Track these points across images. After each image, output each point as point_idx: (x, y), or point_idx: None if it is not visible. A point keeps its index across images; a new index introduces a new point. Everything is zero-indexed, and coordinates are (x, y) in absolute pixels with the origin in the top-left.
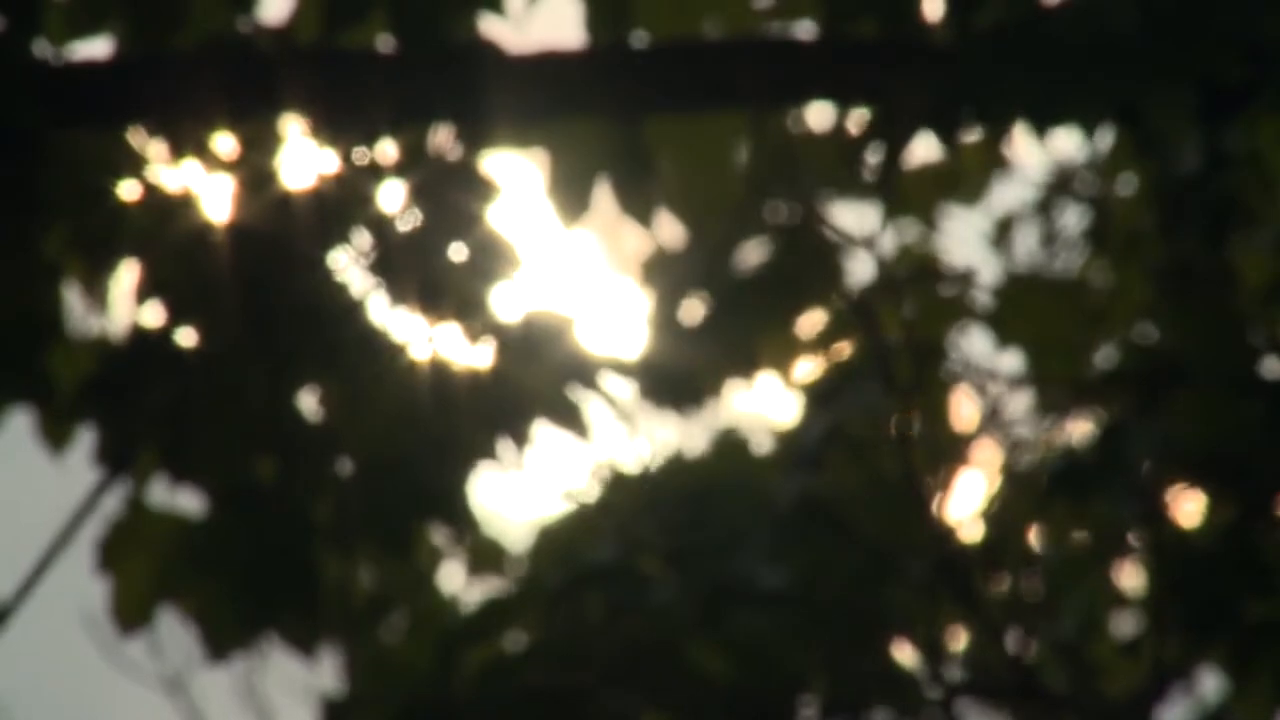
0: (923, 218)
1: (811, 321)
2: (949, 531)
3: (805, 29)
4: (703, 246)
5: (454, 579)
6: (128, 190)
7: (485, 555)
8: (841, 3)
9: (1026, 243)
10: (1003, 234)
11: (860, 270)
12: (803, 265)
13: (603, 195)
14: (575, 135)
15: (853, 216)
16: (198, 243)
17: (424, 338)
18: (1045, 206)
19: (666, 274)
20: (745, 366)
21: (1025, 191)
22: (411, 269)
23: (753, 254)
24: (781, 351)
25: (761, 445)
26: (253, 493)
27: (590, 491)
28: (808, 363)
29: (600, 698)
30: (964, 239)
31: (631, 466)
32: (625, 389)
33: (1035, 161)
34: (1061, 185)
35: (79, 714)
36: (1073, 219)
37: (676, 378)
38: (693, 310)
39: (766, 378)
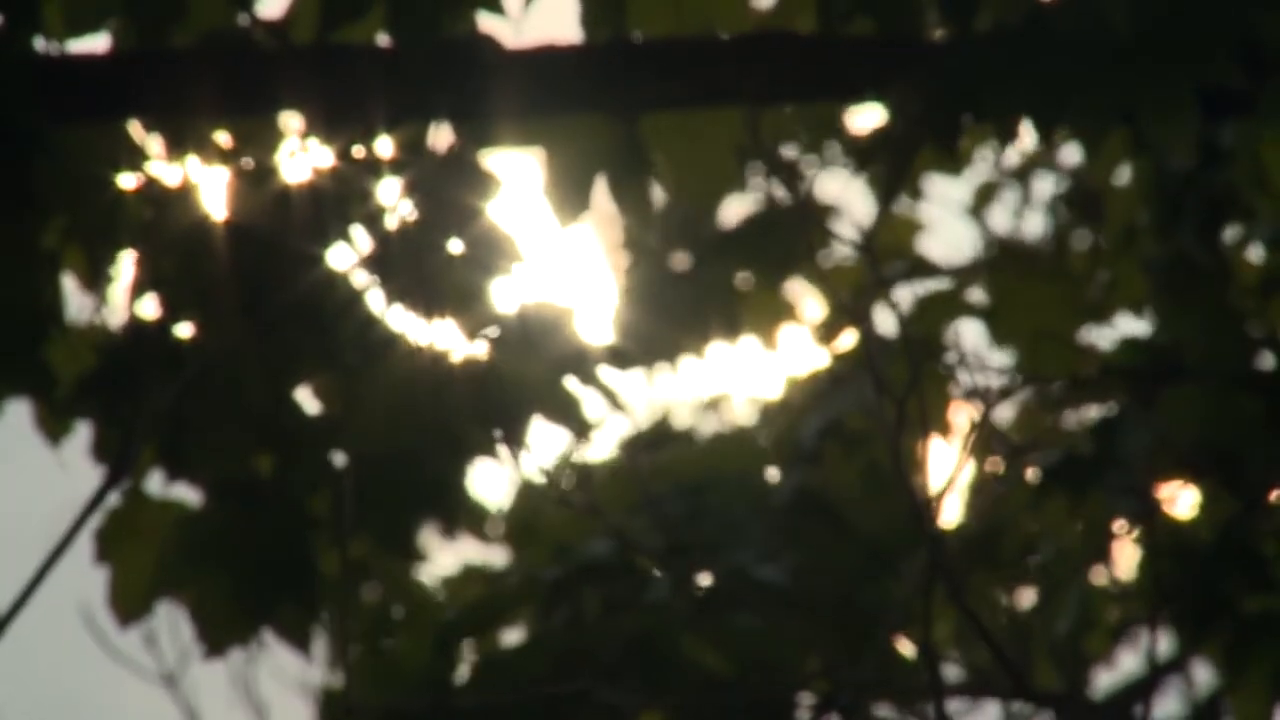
0: (907, 188)
1: (794, 286)
2: (942, 528)
3: (803, 28)
4: (685, 206)
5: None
6: (126, 184)
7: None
8: (838, 2)
9: (1005, 212)
10: (982, 203)
11: (843, 240)
12: (787, 230)
13: (599, 192)
14: (572, 133)
15: (838, 185)
16: (196, 237)
17: (422, 332)
18: (1024, 175)
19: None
20: (726, 326)
21: (1005, 160)
22: (410, 264)
23: (736, 213)
24: (764, 315)
25: (742, 408)
26: (251, 486)
27: (583, 484)
28: (791, 327)
29: (597, 694)
30: (945, 207)
31: (627, 459)
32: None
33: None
34: (1042, 156)
35: (74, 710)
36: (1050, 187)
37: (652, 336)
38: (674, 267)
39: (749, 341)
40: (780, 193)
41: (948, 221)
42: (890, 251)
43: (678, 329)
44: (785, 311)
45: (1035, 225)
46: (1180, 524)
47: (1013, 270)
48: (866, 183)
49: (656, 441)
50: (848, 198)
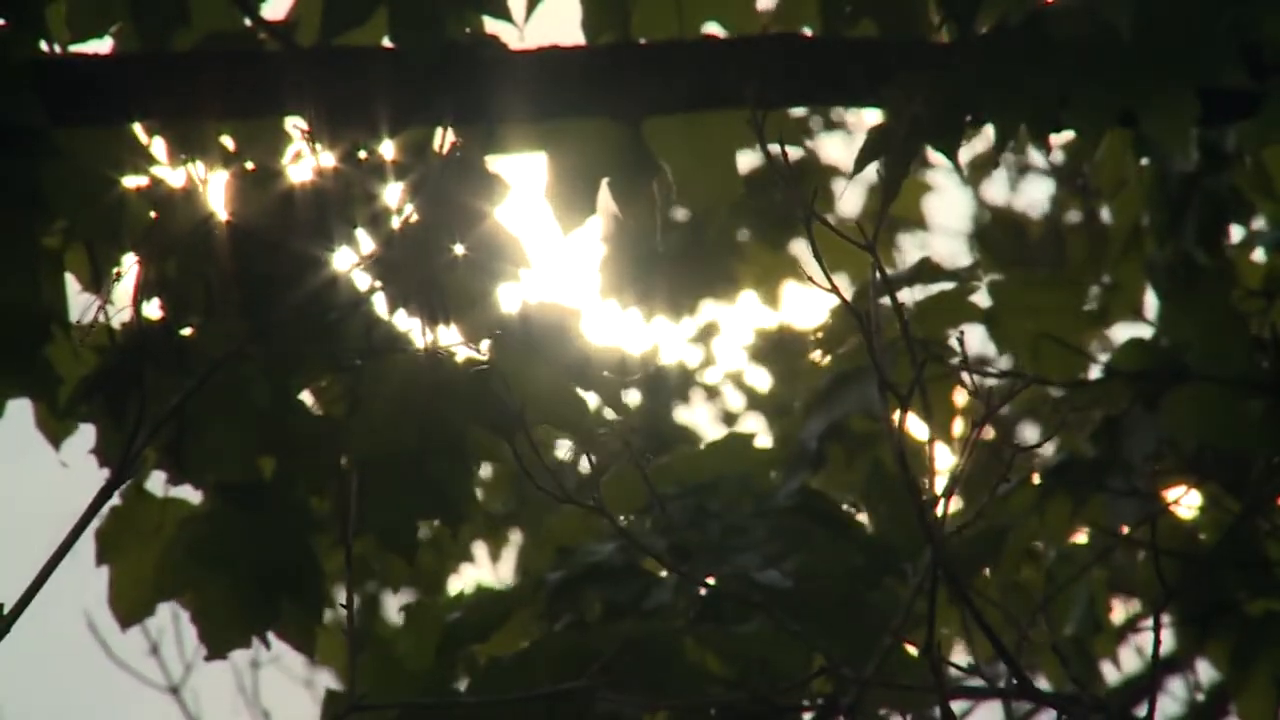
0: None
1: (797, 246)
2: (946, 529)
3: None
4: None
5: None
6: (131, 186)
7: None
8: (840, 4)
9: (1002, 182)
10: (979, 173)
11: (847, 239)
12: (786, 194)
13: (603, 195)
14: (576, 137)
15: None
16: (200, 239)
17: (427, 334)
18: (1020, 146)
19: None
20: (724, 282)
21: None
22: (414, 266)
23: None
24: (765, 272)
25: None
26: (255, 488)
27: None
28: (792, 285)
29: (600, 697)
30: (948, 173)
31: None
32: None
33: None
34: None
35: (77, 713)
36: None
37: (651, 286)
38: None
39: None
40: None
41: (949, 187)
42: (898, 216)
43: (673, 280)
44: (786, 268)
45: (1030, 195)
46: (1184, 526)
47: (1007, 241)
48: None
49: (645, 380)
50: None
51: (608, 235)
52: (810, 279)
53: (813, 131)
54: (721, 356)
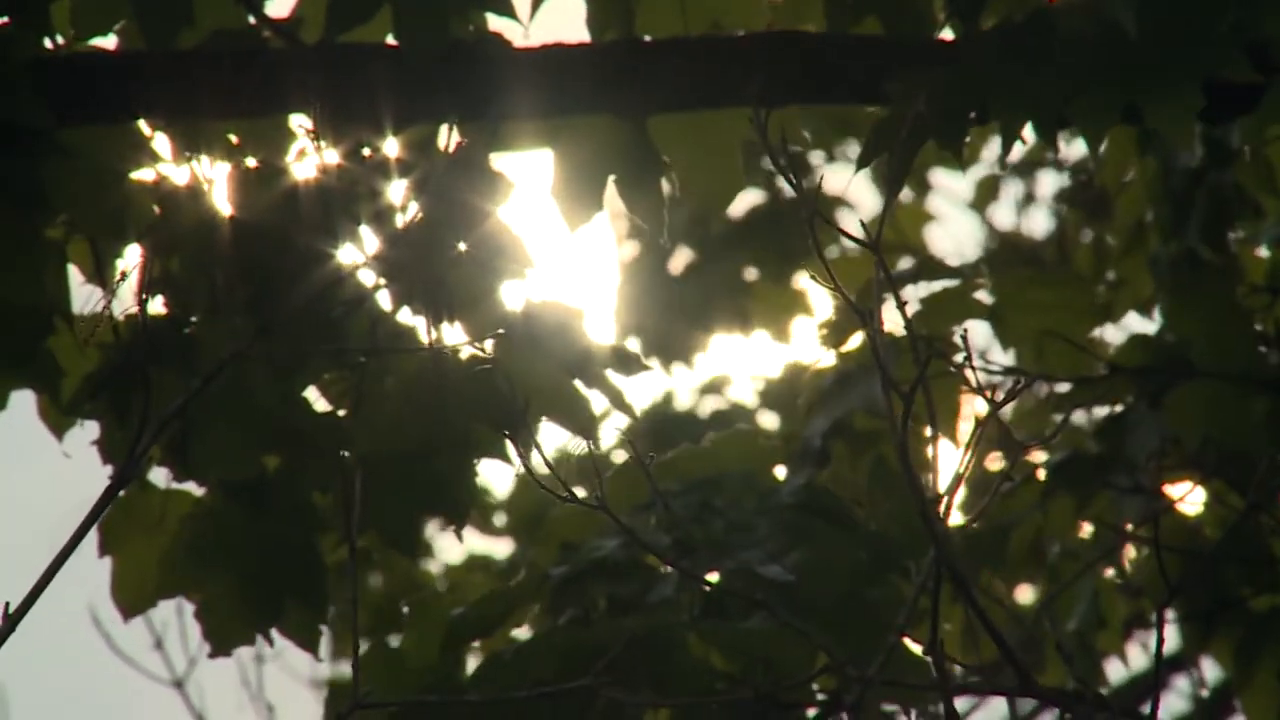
0: (913, 181)
1: (801, 280)
2: (950, 526)
3: (811, 28)
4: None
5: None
6: (136, 182)
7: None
8: (844, 1)
9: (1009, 207)
10: (985, 198)
11: (849, 236)
12: (792, 223)
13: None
14: (582, 134)
15: (845, 178)
16: (205, 236)
17: (431, 331)
18: (1027, 170)
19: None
20: (736, 319)
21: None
22: (418, 264)
23: (743, 206)
24: (774, 308)
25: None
26: (258, 485)
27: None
28: (802, 320)
29: (603, 692)
30: (950, 201)
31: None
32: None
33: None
34: (1045, 151)
35: (82, 705)
36: (1054, 182)
37: (662, 329)
38: (680, 261)
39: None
40: (786, 187)
41: (953, 215)
42: (899, 243)
43: (685, 321)
44: (795, 303)
45: (1038, 220)
46: (1188, 522)
47: (1015, 265)
48: (871, 178)
49: (658, 424)
50: (855, 191)
51: (620, 286)
52: (814, 277)
53: (814, 168)
54: (733, 394)
